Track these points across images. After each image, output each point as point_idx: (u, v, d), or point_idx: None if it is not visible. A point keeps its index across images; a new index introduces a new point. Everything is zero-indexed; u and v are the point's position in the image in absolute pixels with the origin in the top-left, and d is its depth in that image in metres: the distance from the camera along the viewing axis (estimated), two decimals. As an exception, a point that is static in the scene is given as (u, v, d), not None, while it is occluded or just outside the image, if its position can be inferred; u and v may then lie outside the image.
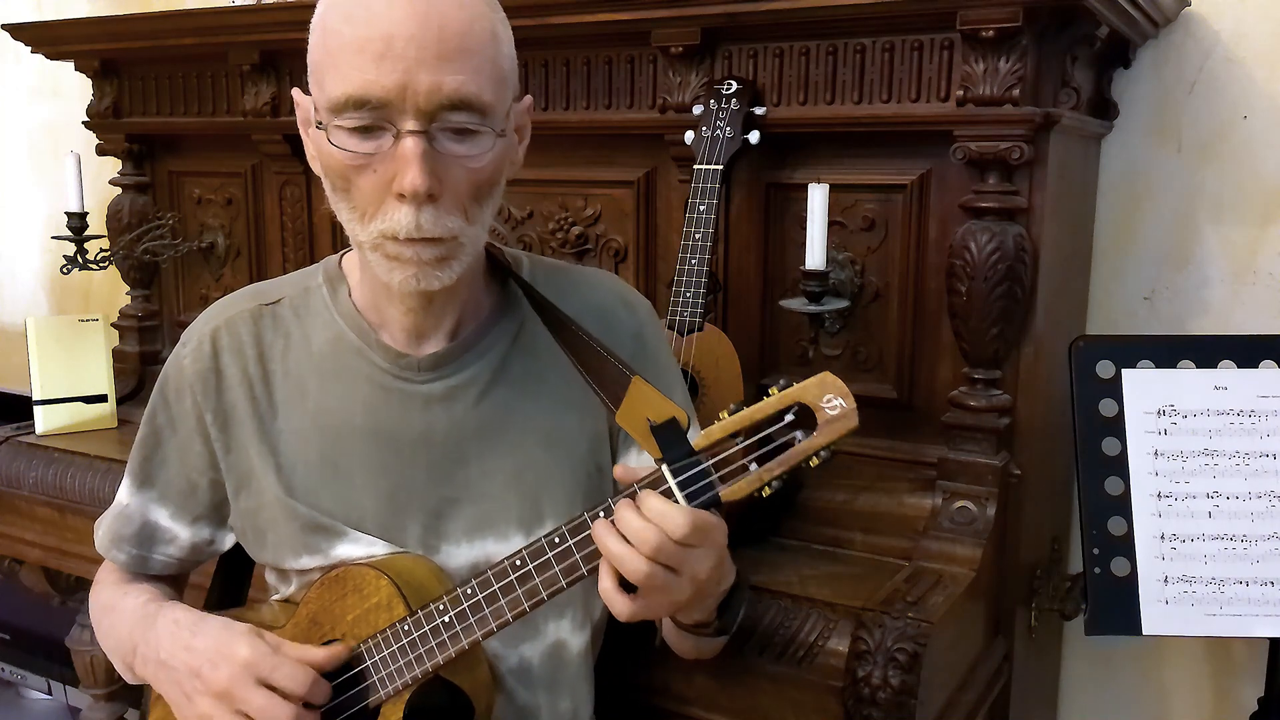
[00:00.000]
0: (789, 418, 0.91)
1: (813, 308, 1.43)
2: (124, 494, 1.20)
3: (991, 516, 1.40)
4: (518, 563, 0.98)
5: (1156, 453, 1.38)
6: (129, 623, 1.14)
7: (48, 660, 2.60)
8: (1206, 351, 1.40)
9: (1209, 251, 1.74)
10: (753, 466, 0.91)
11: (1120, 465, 1.38)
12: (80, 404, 2.08)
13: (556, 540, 0.97)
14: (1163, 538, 1.36)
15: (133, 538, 1.19)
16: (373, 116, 0.93)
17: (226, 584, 1.28)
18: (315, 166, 1.04)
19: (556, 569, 0.97)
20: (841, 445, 0.91)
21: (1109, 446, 1.39)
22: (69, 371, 2.07)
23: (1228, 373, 1.38)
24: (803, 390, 0.91)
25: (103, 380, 2.11)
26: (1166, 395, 1.39)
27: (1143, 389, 1.39)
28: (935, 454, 1.47)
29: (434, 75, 0.92)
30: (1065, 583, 1.55)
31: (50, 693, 2.65)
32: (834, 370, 1.38)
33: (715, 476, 0.92)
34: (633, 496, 0.93)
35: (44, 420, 2.04)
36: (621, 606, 0.94)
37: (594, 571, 0.95)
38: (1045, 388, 1.52)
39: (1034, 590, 1.57)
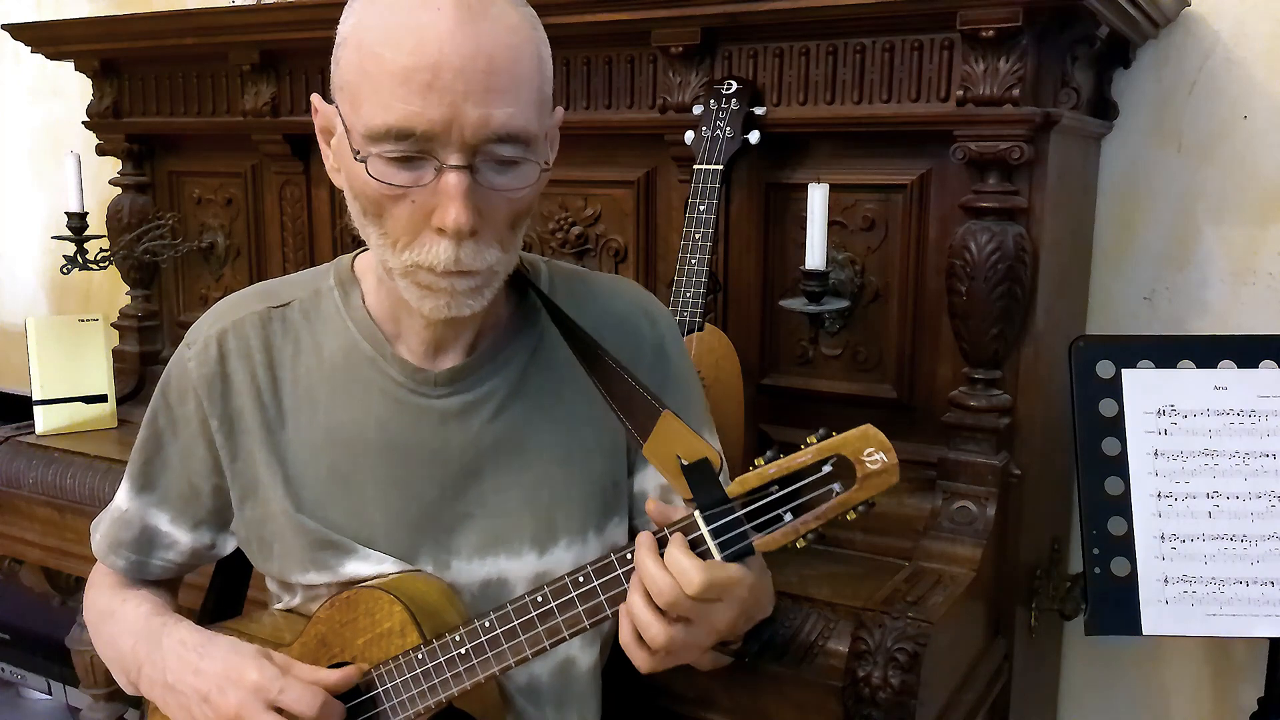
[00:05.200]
0: (827, 469, 0.89)
1: (813, 308, 1.44)
2: (122, 498, 1.17)
3: (991, 516, 1.40)
4: (539, 599, 0.96)
5: (1156, 453, 1.38)
6: (131, 636, 1.12)
7: (48, 660, 2.59)
8: (1206, 351, 1.40)
9: (1209, 251, 1.74)
10: (788, 517, 0.89)
11: (1120, 465, 1.38)
12: (80, 404, 2.08)
13: (581, 580, 0.95)
14: (1163, 538, 1.36)
15: (132, 543, 1.16)
16: (415, 148, 0.90)
17: (224, 589, 1.26)
18: (336, 179, 0.99)
19: (580, 609, 0.95)
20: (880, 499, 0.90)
21: (1109, 446, 1.39)
22: (69, 371, 2.07)
23: (1228, 373, 1.38)
24: (843, 442, 0.89)
25: (103, 380, 2.11)
26: (1166, 395, 1.39)
27: (1143, 389, 1.39)
28: (935, 454, 1.46)
29: (482, 109, 0.88)
30: (1065, 583, 1.55)
31: (50, 693, 2.65)
32: (833, 370, 1.36)
33: (749, 526, 0.90)
34: (662, 542, 0.92)
35: (44, 420, 2.04)
36: (641, 660, 0.94)
37: (619, 614, 0.94)
38: (1045, 388, 1.52)
39: (1034, 590, 1.56)
